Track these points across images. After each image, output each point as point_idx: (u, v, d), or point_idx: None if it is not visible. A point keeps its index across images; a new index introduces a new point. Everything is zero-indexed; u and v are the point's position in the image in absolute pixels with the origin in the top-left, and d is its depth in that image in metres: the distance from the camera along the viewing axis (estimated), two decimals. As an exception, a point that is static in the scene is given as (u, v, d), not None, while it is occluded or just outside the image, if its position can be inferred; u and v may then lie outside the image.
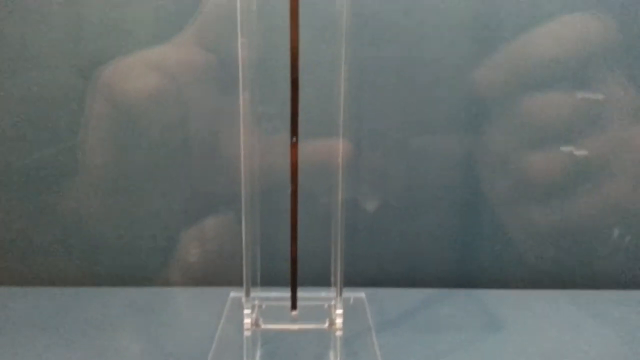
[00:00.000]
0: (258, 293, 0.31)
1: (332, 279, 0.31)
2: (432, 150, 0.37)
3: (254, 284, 0.31)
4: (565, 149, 0.34)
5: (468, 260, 0.40)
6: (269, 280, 0.32)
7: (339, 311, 0.30)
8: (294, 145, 0.27)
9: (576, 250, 0.39)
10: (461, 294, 0.39)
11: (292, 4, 0.27)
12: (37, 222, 0.40)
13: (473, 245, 0.40)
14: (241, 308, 0.30)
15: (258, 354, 0.33)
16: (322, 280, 0.32)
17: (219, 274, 0.40)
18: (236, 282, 0.33)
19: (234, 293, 0.37)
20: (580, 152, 0.35)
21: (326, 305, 0.32)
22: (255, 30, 0.28)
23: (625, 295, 0.40)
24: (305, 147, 0.28)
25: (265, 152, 0.34)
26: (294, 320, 0.31)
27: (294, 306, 0.31)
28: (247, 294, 0.30)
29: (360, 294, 0.37)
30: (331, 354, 0.32)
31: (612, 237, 0.38)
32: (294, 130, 0.27)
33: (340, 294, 0.30)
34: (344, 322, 0.30)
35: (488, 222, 0.39)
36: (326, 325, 0.31)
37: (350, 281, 0.32)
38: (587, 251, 0.40)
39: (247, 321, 0.29)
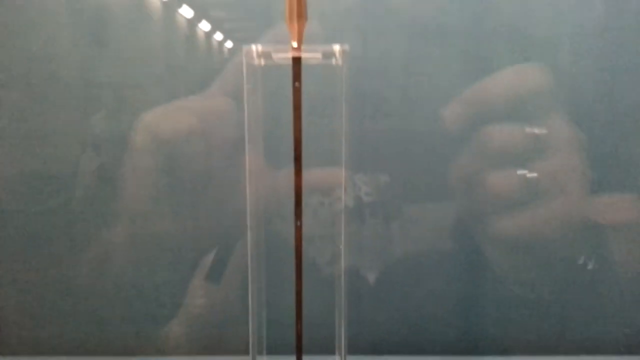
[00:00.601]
0: (264, 362, 0.33)
1: (337, 346, 0.32)
2: (431, 216, 0.39)
3: (259, 352, 0.32)
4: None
5: (472, 326, 0.41)
6: (273, 348, 0.33)
7: (344, 379, 0.31)
8: (298, 228, 0.29)
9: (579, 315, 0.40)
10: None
11: (294, 98, 0.28)
12: (46, 292, 0.41)
13: (477, 310, 0.41)
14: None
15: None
16: (326, 348, 0.33)
17: (225, 341, 0.41)
18: (241, 351, 0.34)
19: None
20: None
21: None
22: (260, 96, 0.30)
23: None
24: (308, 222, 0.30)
25: (271, 223, 0.36)
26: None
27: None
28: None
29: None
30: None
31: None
32: (298, 215, 0.28)
33: (345, 362, 0.31)
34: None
35: (491, 286, 0.40)
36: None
37: (355, 348, 0.33)
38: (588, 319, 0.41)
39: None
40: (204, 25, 0.41)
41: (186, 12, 0.41)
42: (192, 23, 0.42)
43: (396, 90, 0.38)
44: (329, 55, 0.27)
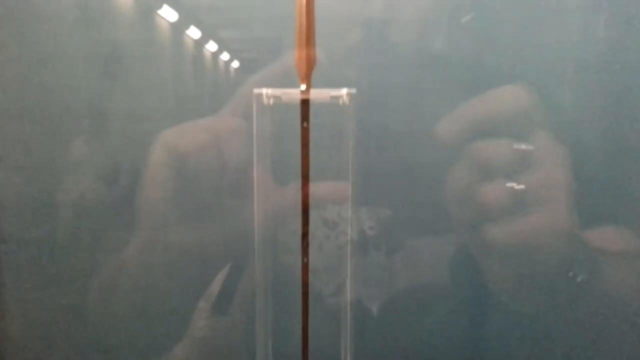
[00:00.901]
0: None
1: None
2: (435, 249, 0.39)
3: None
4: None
5: (477, 358, 0.41)
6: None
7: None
8: (305, 265, 0.29)
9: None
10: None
11: (303, 137, 0.29)
12: (58, 324, 0.42)
13: (482, 342, 0.41)
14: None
15: None
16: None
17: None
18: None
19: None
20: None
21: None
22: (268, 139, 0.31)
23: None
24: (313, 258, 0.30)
25: (277, 257, 0.37)
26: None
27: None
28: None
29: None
30: None
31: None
32: (305, 252, 0.29)
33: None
34: None
35: (496, 318, 0.41)
36: None
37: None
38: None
39: None
40: (216, 58, 0.42)
41: (197, 45, 0.42)
42: (203, 56, 0.43)
43: (400, 122, 0.39)
44: (336, 97, 0.28)
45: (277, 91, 0.28)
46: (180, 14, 0.42)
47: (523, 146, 0.37)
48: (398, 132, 0.39)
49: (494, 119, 0.38)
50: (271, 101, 0.29)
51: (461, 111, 0.38)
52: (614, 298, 0.40)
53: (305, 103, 0.28)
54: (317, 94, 0.28)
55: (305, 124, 0.29)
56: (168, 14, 0.42)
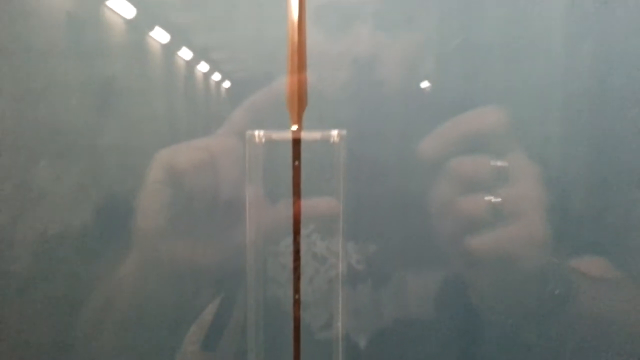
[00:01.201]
0: None
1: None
2: (425, 281, 0.40)
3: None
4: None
5: None
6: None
7: None
8: (296, 301, 0.30)
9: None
10: None
11: (294, 175, 0.30)
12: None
13: None
14: None
15: None
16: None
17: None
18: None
19: None
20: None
21: None
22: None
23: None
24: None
25: (268, 291, 0.37)
26: None
27: None
28: None
29: None
30: None
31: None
32: (297, 288, 0.30)
33: None
34: None
35: (487, 350, 0.41)
36: None
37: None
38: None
39: None
40: (208, 80, 0.43)
41: (190, 79, 0.43)
42: (196, 90, 0.43)
43: (389, 156, 0.40)
44: (327, 137, 0.29)
45: (270, 132, 0.29)
46: (172, 36, 0.43)
47: (499, 163, 0.39)
48: (387, 166, 0.40)
49: (474, 136, 0.39)
50: (263, 140, 0.30)
51: (442, 129, 0.39)
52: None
53: (296, 143, 0.29)
54: (309, 135, 0.28)
55: (297, 163, 0.29)
56: (160, 37, 0.43)
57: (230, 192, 0.38)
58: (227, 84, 0.43)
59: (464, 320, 0.40)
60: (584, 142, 0.43)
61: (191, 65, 0.44)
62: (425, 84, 0.42)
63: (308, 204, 0.31)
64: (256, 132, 0.29)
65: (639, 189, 0.42)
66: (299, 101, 0.28)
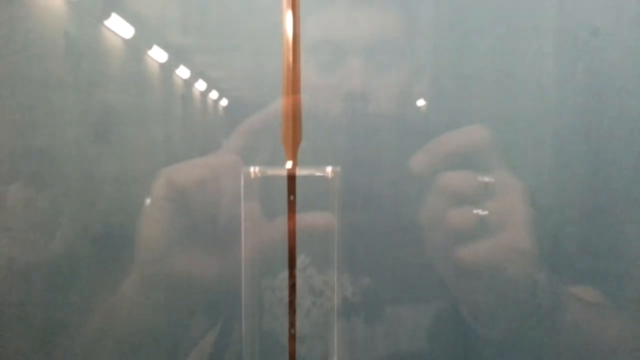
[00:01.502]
0: None
1: None
2: (420, 313, 0.40)
3: None
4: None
5: None
6: None
7: None
8: (292, 336, 0.30)
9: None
10: None
11: (289, 209, 0.30)
12: None
13: None
14: None
15: None
16: None
17: None
18: None
19: None
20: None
21: None
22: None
23: None
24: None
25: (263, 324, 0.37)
26: None
27: None
28: None
29: None
30: None
31: None
32: (292, 322, 0.30)
33: None
34: None
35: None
36: None
37: None
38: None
39: None
40: (205, 101, 0.43)
41: (187, 108, 0.44)
42: (191, 118, 0.44)
43: (384, 188, 0.40)
44: (322, 174, 0.29)
45: (265, 169, 0.29)
46: (169, 55, 0.43)
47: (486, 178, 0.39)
48: (381, 196, 0.40)
49: (463, 152, 0.39)
50: (259, 175, 0.30)
51: (431, 144, 0.39)
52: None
53: (291, 179, 0.29)
54: (304, 172, 0.29)
55: (291, 197, 0.30)
56: (158, 56, 0.43)
57: (231, 210, 0.39)
58: (224, 102, 0.44)
59: (459, 352, 0.40)
60: (574, 165, 0.44)
61: (189, 85, 0.45)
62: (417, 115, 0.43)
63: (303, 219, 0.31)
64: (251, 168, 0.29)
65: (629, 208, 0.43)
66: (294, 138, 0.29)
